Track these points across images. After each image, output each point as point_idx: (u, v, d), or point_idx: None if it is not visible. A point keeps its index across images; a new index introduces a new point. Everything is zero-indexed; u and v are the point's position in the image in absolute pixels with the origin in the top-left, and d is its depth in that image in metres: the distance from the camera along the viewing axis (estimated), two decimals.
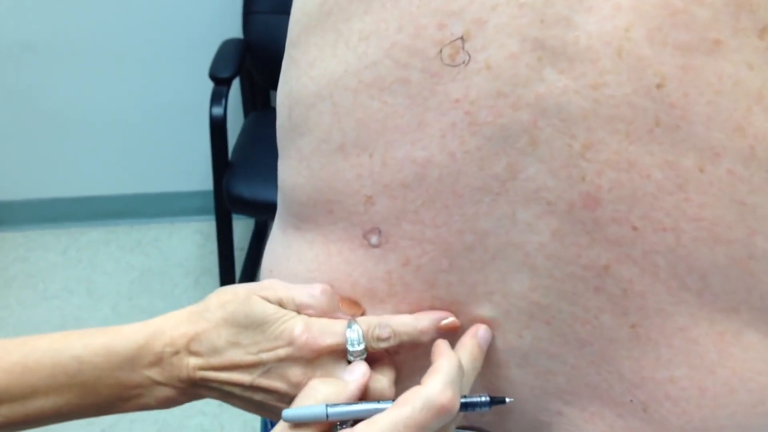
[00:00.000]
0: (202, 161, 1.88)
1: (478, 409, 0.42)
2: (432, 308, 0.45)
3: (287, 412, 0.39)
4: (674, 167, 0.38)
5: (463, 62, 0.40)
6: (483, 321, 0.45)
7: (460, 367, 0.41)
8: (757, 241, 0.39)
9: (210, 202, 1.77)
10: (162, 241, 2.13)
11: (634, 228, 0.40)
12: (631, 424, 0.44)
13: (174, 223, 2.19)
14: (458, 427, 0.50)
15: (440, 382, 0.39)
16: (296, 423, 0.39)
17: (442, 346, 0.42)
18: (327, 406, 0.39)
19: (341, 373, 0.43)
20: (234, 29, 1.85)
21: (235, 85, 1.87)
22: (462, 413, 0.42)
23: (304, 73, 0.46)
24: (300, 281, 0.48)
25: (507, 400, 0.43)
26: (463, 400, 0.41)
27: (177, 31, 1.91)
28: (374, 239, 0.44)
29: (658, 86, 0.38)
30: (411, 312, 0.45)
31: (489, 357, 0.46)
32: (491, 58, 0.39)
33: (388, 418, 0.38)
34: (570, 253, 0.41)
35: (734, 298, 0.41)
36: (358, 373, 0.42)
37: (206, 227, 2.14)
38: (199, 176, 2.06)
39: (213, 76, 1.64)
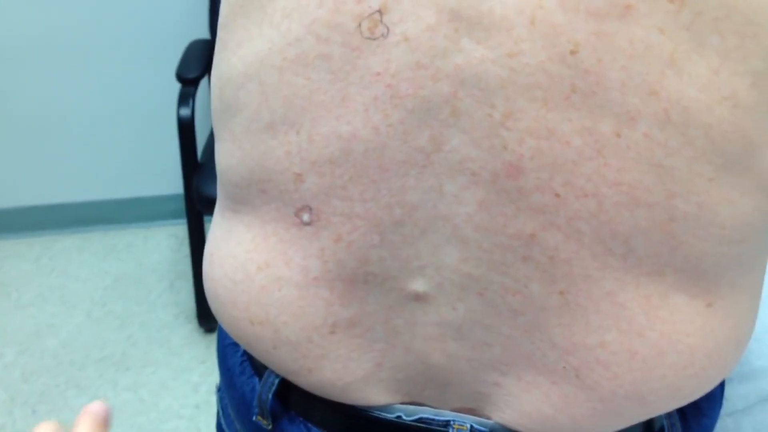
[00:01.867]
0: (175, 164, 1.87)
1: None
2: (366, 284, 0.45)
3: None
4: (592, 133, 0.39)
5: (382, 35, 0.40)
6: (417, 295, 0.45)
7: None
8: (677, 204, 0.40)
9: (183, 205, 1.76)
10: (136, 247, 2.12)
11: (557, 195, 0.40)
12: (566, 390, 0.45)
13: (149, 228, 2.18)
14: (402, 403, 0.50)
15: None
16: None
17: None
18: None
19: None
20: (201, 30, 1.84)
21: (204, 86, 1.87)
22: None
23: (233, 54, 0.46)
24: (238, 263, 0.48)
25: None
26: None
27: (143, 33, 1.91)
28: (306, 217, 0.45)
29: (572, 53, 0.38)
30: (345, 289, 0.45)
31: (426, 332, 0.46)
32: (409, 30, 0.40)
33: None
34: (497, 223, 0.42)
35: (658, 261, 0.42)
36: None
37: (181, 231, 2.13)
38: (172, 179, 2.06)
39: (180, 77, 1.63)
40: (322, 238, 0.44)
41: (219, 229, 0.51)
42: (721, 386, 0.55)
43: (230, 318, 0.49)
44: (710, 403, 0.53)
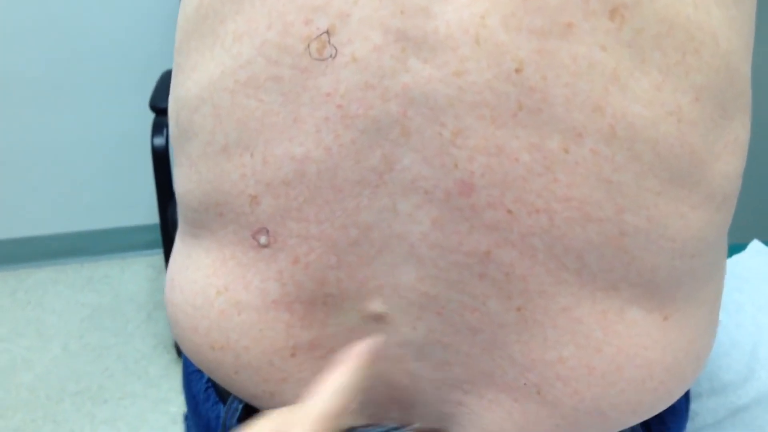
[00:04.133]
0: (150, 193, 1.86)
1: None
2: (325, 305, 0.45)
3: None
4: (540, 149, 0.39)
5: (331, 56, 0.41)
6: (376, 316, 0.45)
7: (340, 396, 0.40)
8: (627, 218, 0.40)
9: (160, 235, 1.75)
10: (112, 278, 2.10)
11: (509, 211, 0.40)
12: (527, 407, 0.44)
13: (125, 258, 2.16)
14: (361, 427, 0.50)
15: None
16: None
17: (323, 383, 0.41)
18: None
19: None
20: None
21: None
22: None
23: (188, 78, 0.46)
24: (198, 287, 0.48)
25: None
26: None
27: (116, 64, 1.91)
28: (263, 239, 0.45)
29: (517, 71, 0.39)
30: (305, 311, 0.45)
31: (387, 353, 0.46)
32: (357, 50, 0.40)
33: None
34: (452, 241, 0.42)
35: (612, 275, 0.42)
36: None
37: (158, 261, 2.12)
38: (148, 209, 2.05)
39: (153, 107, 1.63)
40: (280, 260, 0.44)
41: (179, 254, 0.51)
42: (686, 400, 0.55)
43: (191, 344, 0.49)
44: (675, 417, 0.54)
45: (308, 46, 0.41)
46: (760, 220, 1.14)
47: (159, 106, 1.64)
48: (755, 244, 0.87)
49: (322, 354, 0.46)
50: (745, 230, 1.12)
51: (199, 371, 0.57)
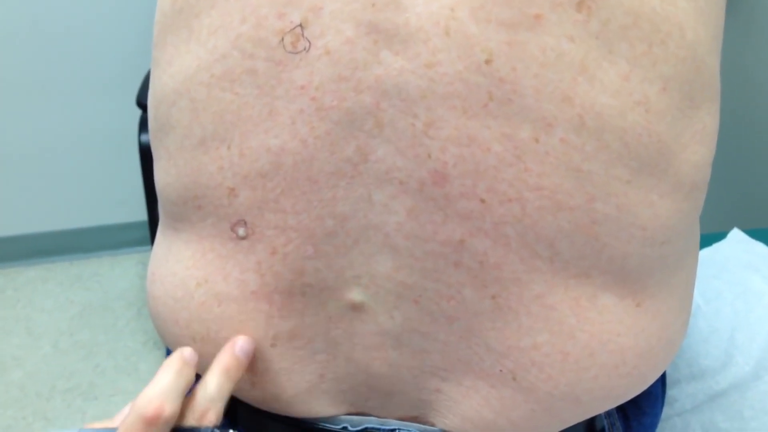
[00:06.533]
0: (138, 190, 1.86)
1: None
2: (303, 295, 0.46)
3: None
4: (511, 139, 0.40)
5: (304, 49, 0.41)
6: (354, 305, 0.45)
7: (177, 376, 0.42)
8: (597, 207, 0.41)
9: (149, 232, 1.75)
10: (102, 275, 2.10)
11: (482, 201, 0.41)
12: (503, 393, 0.45)
13: (115, 256, 2.16)
14: (348, 413, 0.50)
15: (146, 394, 0.41)
16: None
17: (167, 360, 0.43)
18: (80, 430, 0.42)
19: None
20: None
21: None
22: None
23: (164, 72, 0.47)
24: (178, 280, 0.48)
25: None
26: (192, 425, 0.43)
27: (103, 60, 1.91)
28: (241, 231, 0.45)
29: (487, 62, 0.39)
30: (283, 302, 0.46)
31: (365, 342, 0.47)
32: (329, 43, 0.41)
33: None
34: (427, 230, 0.42)
35: (584, 263, 0.43)
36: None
37: (148, 258, 2.12)
38: (137, 206, 2.05)
39: (140, 103, 1.63)
40: (258, 251, 0.45)
41: (160, 248, 0.51)
42: (662, 384, 0.56)
43: (173, 336, 0.50)
44: (650, 402, 0.55)
45: (282, 39, 0.41)
46: (740, 210, 1.15)
47: (146, 103, 1.64)
48: (735, 233, 0.88)
49: (301, 344, 0.47)
50: (726, 219, 1.13)
51: None
